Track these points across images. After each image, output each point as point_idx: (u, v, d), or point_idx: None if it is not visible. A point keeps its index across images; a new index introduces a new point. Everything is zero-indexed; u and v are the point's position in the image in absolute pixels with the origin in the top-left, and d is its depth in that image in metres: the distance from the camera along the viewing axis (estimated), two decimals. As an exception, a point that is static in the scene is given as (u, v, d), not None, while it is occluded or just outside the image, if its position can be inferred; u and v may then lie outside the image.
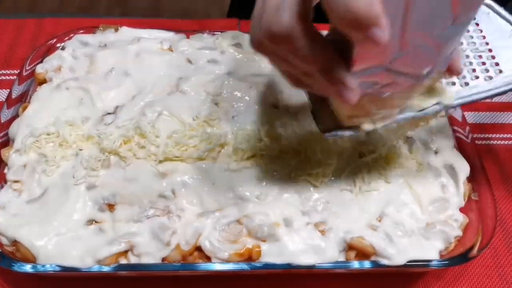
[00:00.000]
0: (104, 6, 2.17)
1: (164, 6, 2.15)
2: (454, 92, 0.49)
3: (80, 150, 0.62)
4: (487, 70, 0.51)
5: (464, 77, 0.51)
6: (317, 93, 0.45)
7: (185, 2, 2.15)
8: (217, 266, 0.54)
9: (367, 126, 0.48)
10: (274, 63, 0.43)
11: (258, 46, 0.39)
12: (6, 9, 2.08)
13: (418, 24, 0.34)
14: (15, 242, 0.55)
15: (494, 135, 0.80)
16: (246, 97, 0.68)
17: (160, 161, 0.59)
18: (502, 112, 0.84)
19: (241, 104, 0.67)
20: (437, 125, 0.68)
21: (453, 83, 0.50)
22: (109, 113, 0.66)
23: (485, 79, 0.50)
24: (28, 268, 0.53)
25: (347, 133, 0.49)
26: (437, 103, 0.49)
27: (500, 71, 0.50)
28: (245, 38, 0.79)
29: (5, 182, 0.60)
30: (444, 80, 0.49)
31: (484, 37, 0.53)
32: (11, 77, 0.83)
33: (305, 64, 0.38)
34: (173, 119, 0.64)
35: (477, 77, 0.50)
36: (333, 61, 0.37)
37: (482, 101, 0.51)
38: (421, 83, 0.44)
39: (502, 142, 0.79)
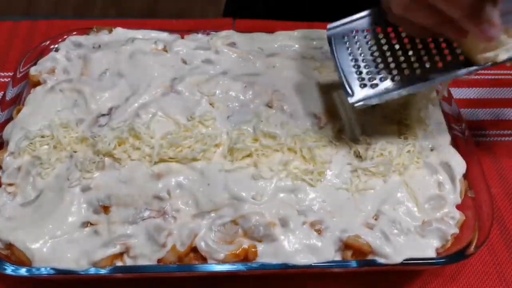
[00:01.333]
0: (99, 7, 2.17)
1: (160, 6, 2.15)
2: None
3: (75, 152, 0.61)
4: None
5: None
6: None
7: (182, 2, 2.15)
8: (213, 267, 0.54)
9: (501, 56, 0.51)
10: (412, 21, 0.51)
11: (404, 8, 0.49)
12: (1, 11, 2.07)
13: None
14: (9, 245, 0.55)
15: (490, 132, 0.80)
16: (241, 97, 0.68)
17: (155, 163, 0.59)
18: (498, 109, 0.84)
19: (236, 104, 0.67)
20: (433, 122, 0.68)
21: None
22: (103, 115, 0.66)
23: None
24: (23, 271, 0.53)
25: (373, 100, 0.55)
26: None
27: None
28: (240, 37, 0.78)
29: (0, 185, 0.60)
30: None
31: None
32: (5, 79, 0.83)
33: (452, 9, 0.45)
34: (167, 120, 0.63)
35: None
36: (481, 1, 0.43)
37: None
38: None
39: (499, 138, 0.79)
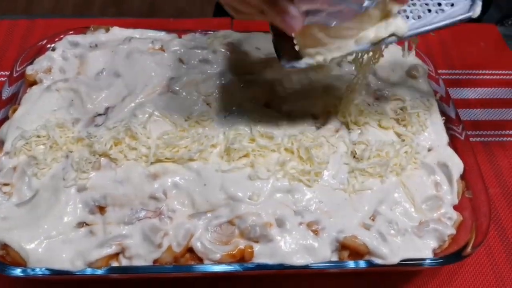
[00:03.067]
0: (98, 7, 2.16)
1: (159, 6, 2.14)
2: (407, 23, 0.52)
3: (71, 152, 0.61)
4: (439, 4, 0.53)
5: (417, 10, 0.53)
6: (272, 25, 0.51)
7: (181, 2, 2.14)
8: (209, 268, 0.53)
9: (319, 57, 0.52)
10: (237, 11, 0.50)
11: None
12: (2, 10, 2.07)
13: None
14: (4, 246, 0.54)
15: (488, 132, 0.80)
16: (239, 97, 0.68)
17: (151, 163, 0.59)
18: (495, 109, 0.83)
19: (233, 104, 0.67)
20: (430, 122, 0.67)
21: (407, 17, 0.53)
22: (99, 114, 0.65)
23: (436, 12, 0.53)
24: (18, 272, 0.52)
25: (303, 63, 0.53)
26: (392, 35, 0.52)
27: (452, 5, 0.53)
28: (237, 37, 0.78)
29: (-5, 185, 0.60)
30: (398, 13, 0.52)
31: None
32: (1, 79, 0.82)
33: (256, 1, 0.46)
34: (164, 120, 0.63)
35: (429, 11, 0.53)
36: None
37: (433, 31, 0.54)
38: (366, 12, 0.48)
39: (496, 139, 0.79)
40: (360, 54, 0.58)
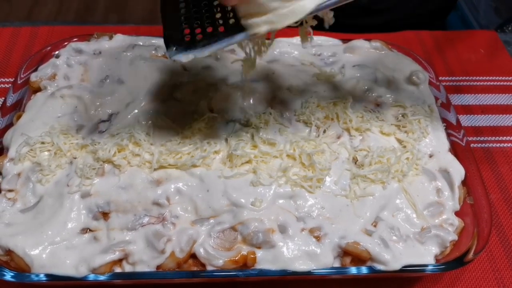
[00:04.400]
0: (100, 13, 2.18)
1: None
2: None
3: (75, 158, 0.61)
4: None
5: None
6: None
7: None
8: (212, 274, 0.54)
9: (264, 27, 0.45)
10: None
11: None
12: (4, 16, 2.08)
13: None
14: (9, 252, 0.55)
15: (489, 138, 0.80)
16: (242, 103, 0.68)
17: (155, 169, 0.59)
18: (496, 115, 0.84)
19: (236, 110, 0.67)
20: (432, 128, 0.68)
21: None
22: (103, 121, 0.66)
23: None
24: (22, 277, 0.53)
25: (190, 55, 0.49)
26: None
27: None
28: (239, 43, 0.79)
29: (-1, 191, 0.60)
30: None
31: None
32: (6, 85, 0.83)
33: None
34: (167, 127, 0.63)
35: None
36: None
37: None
38: None
39: (497, 145, 0.79)
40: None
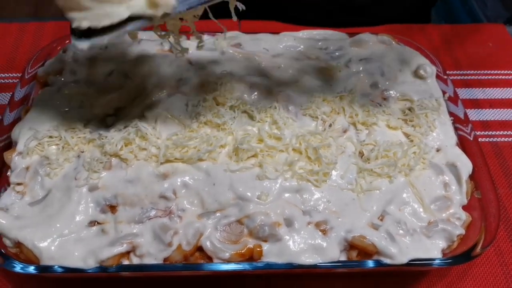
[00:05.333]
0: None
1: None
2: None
3: (82, 152, 0.62)
4: None
5: None
6: None
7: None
8: (218, 266, 0.54)
9: (85, 23, 0.46)
10: None
11: None
12: (10, 14, 2.09)
13: None
14: (18, 244, 0.55)
15: (496, 133, 0.79)
16: (247, 97, 0.68)
17: (161, 163, 0.60)
18: (504, 109, 0.83)
19: (242, 105, 0.67)
20: (439, 122, 0.67)
21: None
22: (110, 115, 0.66)
23: None
24: (31, 269, 0.53)
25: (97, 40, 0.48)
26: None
27: None
28: (245, 38, 0.79)
29: (8, 184, 0.61)
30: None
31: None
32: (14, 80, 0.84)
33: None
34: (173, 121, 0.64)
35: None
36: None
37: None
38: None
39: (505, 139, 0.78)
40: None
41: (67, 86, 0.69)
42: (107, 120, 0.66)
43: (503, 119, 0.82)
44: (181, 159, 0.60)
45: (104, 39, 0.48)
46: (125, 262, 0.55)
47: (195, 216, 0.57)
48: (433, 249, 0.56)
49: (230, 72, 0.71)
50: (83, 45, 0.49)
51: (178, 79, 0.70)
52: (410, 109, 0.68)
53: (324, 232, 0.56)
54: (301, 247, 0.55)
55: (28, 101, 0.71)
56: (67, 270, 0.53)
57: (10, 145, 0.65)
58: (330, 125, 0.65)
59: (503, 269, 0.63)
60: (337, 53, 0.77)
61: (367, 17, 0.96)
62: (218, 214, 0.57)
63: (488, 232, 0.57)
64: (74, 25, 0.47)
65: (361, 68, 0.74)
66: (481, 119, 0.81)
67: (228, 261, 0.54)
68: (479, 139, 0.71)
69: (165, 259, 0.55)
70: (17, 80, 0.73)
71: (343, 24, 0.89)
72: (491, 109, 0.83)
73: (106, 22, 0.46)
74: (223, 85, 0.69)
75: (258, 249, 0.55)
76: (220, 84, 0.69)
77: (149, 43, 0.75)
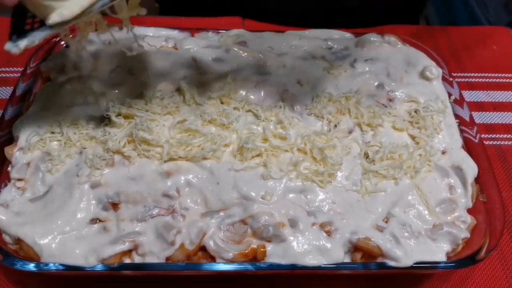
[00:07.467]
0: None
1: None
2: None
3: (84, 148, 0.61)
4: None
5: None
6: None
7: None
8: (221, 266, 0.53)
9: (55, 17, 0.45)
10: None
11: None
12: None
13: None
14: (18, 241, 0.55)
15: (502, 136, 0.79)
16: (251, 96, 0.68)
17: (165, 161, 0.59)
18: (509, 112, 0.83)
19: (246, 103, 0.66)
20: (445, 125, 0.67)
21: None
22: (113, 112, 0.65)
23: None
24: (31, 266, 0.52)
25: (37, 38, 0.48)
26: None
27: None
28: (250, 36, 0.78)
29: (9, 180, 0.60)
30: None
31: None
32: (15, 75, 0.83)
33: None
34: (177, 119, 0.63)
35: None
36: None
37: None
38: None
39: (508, 142, 0.78)
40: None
41: (70, 82, 0.69)
42: (110, 116, 0.65)
43: (507, 122, 0.81)
44: (185, 157, 0.59)
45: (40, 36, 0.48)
46: (127, 260, 0.54)
47: (198, 215, 0.56)
48: (437, 252, 0.56)
49: (235, 70, 0.71)
50: (21, 44, 0.48)
51: (182, 76, 0.69)
52: (416, 111, 0.68)
53: (328, 233, 0.56)
54: (305, 248, 0.54)
55: (30, 96, 0.70)
56: (68, 267, 0.52)
57: (11, 140, 0.64)
58: (335, 126, 0.65)
59: (505, 273, 0.63)
60: (342, 53, 0.77)
61: (353, 19, 0.95)
62: (221, 213, 0.57)
63: (492, 236, 0.56)
64: (53, 17, 0.46)
65: (366, 69, 0.73)
66: (485, 122, 0.81)
67: (231, 261, 0.54)
68: (484, 142, 0.71)
69: (167, 258, 0.54)
70: (19, 74, 0.72)
71: (332, 26, 0.88)
72: (495, 112, 0.83)
73: (76, 9, 0.46)
74: (228, 84, 0.68)
75: (262, 249, 0.54)
76: (225, 82, 0.68)
77: (153, 39, 0.75)
